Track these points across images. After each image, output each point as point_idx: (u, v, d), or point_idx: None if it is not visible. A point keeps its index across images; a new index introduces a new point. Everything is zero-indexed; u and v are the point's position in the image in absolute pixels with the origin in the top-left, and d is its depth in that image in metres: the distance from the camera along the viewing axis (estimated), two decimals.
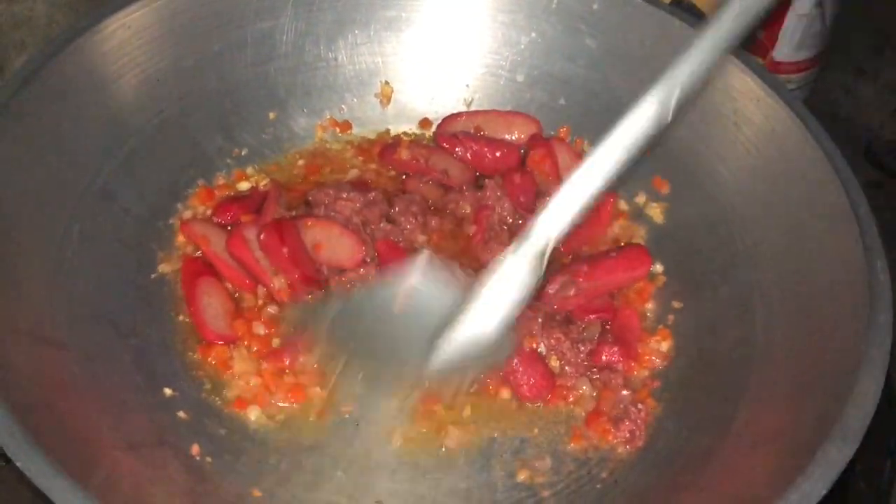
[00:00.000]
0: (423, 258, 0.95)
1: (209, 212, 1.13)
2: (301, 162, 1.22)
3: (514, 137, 1.24)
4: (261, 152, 1.21)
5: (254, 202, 1.13)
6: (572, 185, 0.88)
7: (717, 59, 0.85)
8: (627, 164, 0.87)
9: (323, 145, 1.24)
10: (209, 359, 1.01)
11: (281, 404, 0.99)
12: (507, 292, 0.90)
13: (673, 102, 0.85)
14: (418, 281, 0.94)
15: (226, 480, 0.92)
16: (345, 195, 1.11)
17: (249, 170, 1.20)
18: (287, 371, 1.00)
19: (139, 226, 1.09)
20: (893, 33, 1.72)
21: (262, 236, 1.05)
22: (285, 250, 1.04)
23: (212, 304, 1.04)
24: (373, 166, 1.22)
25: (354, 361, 0.97)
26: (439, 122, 1.26)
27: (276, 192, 1.13)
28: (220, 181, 1.18)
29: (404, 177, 1.21)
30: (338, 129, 1.25)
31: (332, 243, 1.08)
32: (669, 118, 0.86)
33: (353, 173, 1.21)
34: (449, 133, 1.23)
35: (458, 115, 1.26)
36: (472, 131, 1.23)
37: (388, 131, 1.27)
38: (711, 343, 1.03)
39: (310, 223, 1.09)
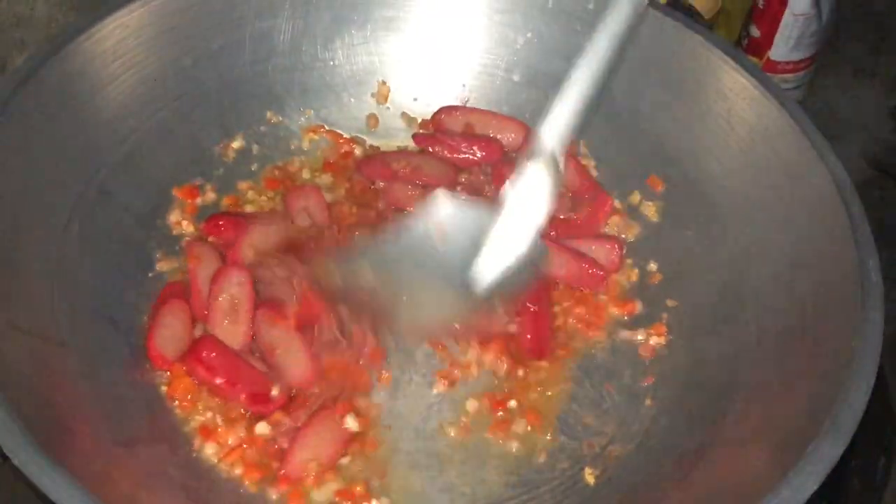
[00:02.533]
0: (439, 197, 0.91)
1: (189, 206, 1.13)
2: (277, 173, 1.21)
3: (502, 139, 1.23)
4: (260, 152, 1.22)
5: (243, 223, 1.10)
6: (567, 86, 0.91)
7: None
8: (616, 60, 0.90)
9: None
10: (173, 392, 0.96)
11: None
12: (534, 199, 0.90)
13: None
14: (447, 216, 0.90)
15: (221, 477, 0.92)
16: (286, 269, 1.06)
17: (244, 185, 1.19)
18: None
19: (138, 224, 1.09)
20: (891, 33, 1.73)
21: (190, 368, 0.97)
22: (219, 381, 0.96)
23: (173, 325, 1.00)
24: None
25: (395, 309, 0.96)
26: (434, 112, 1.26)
27: (245, 238, 1.08)
28: (226, 201, 1.17)
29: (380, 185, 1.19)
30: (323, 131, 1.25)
31: (287, 355, 0.99)
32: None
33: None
34: (427, 133, 1.24)
35: (455, 108, 1.26)
36: (463, 127, 1.23)
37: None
38: (705, 340, 1.04)
39: (273, 323, 1.00)
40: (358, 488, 0.93)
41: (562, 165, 0.90)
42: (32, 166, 0.97)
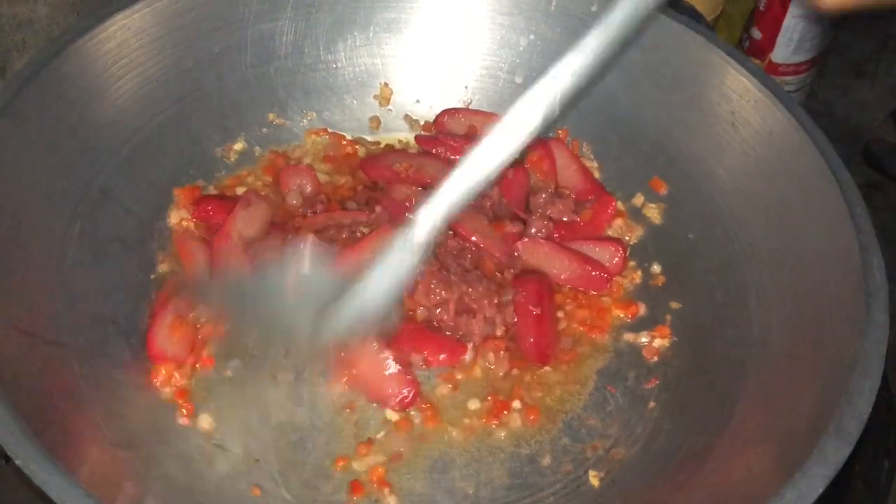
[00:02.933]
0: (307, 245, 0.98)
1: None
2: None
3: None
4: (262, 154, 1.22)
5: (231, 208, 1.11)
6: (456, 174, 0.88)
7: (607, 52, 0.84)
8: (511, 157, 0.88)
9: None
10: (166, 389, 0.97)
11: None
12: (391, 274, 0.93)
13: (559, 97, 0.85)
14: (306, 269, 0.97)
15: (224, 479, 0.92)
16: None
17: (244, 172, 1.20)
18: None
19: (139, 226, 1.09)
20: (892, 35, 1.73)
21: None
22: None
23: (173, 321, 1.00)
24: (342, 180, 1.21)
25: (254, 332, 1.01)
26: (437, 114, 1.26)
27: (231, 225, 1.08)
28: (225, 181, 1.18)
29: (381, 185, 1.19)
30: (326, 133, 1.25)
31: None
32: (557, 112, 0.86)
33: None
34: (430, 136, 1.24)
35: (457, 110, 1.26)
36: (466, 129, 1.23)
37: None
38: (709, 343, 1.03)
39: None
40: (379, 470, 0.94)
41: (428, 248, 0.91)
42: (34, 168, 0.97)
